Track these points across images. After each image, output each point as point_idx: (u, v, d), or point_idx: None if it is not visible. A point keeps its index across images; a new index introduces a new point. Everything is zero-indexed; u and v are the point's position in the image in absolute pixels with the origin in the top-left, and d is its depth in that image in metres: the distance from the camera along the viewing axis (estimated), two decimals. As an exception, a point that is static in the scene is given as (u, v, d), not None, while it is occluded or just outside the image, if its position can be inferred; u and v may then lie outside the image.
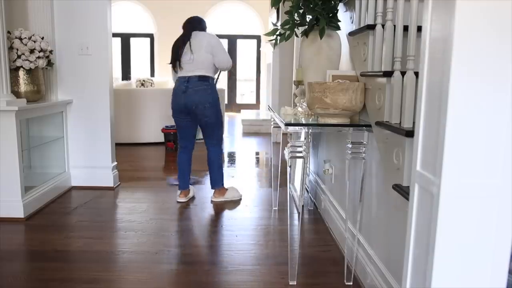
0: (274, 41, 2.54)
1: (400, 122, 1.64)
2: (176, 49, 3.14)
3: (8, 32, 2.88)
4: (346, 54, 2.50)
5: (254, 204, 3.30)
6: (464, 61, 0.89)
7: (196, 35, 3.11)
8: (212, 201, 3.32)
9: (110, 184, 3.63)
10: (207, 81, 3.10)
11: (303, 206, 3.16)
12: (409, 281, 1.09)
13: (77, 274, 2.12)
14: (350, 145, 2.03)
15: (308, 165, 3.40)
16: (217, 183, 3.33)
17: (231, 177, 4.14)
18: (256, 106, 10.40)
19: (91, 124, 3.55)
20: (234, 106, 10.56)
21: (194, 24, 3.18)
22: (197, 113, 3.09)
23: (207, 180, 3.76)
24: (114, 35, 4.19)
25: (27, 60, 2.97)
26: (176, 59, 3.12)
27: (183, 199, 3.31)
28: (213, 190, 3.37)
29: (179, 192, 3.33)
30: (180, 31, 3.18)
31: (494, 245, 0.94)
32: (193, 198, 3.41)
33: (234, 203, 3.29)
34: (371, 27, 1.93)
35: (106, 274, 2.12)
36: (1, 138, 2.75)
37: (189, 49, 3.06)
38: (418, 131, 1.05)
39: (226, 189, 3.37)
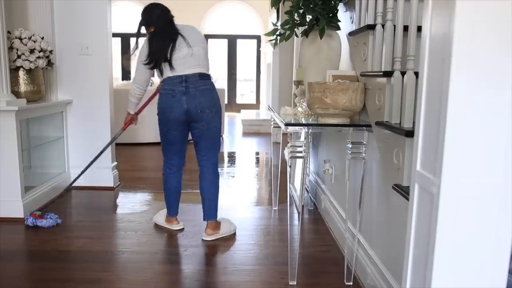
0: (274, 41, 2.54)
1: (400, 122, 1.64)
2: (161, 45, 2.46)
3: (8, 32, 2.88)
4: (346, 54, 2.50)
5: (254, 204, 3.29)
6: (464, 61, 0.89)
7: (184, 27, 2.53)
8: (204, 241, 2.53)
9: (110, 184, 3.63)
10: (209, 80, 2.50)
11: (303, 206, 3.15)
12: (409, 281, 1.09)
13: (77, 274, 2.11)
14: (350, 145, 2.03)
15: (308, 165, 3.40)
16: (214, 213, 2.59)
17: (231, 177, 4.14)
18: (256, 106, 10.41)
19: (91, 124, 3.55)
20: (234, 106, 10.57)
21: (170, 14, 2.58)
22: (202, 119, 2.44)
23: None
24: (114, 35, 4.18)
25: (27, 60, 2.97)
26: (164, 58, 2.44)
27: (180, 226, 2.72)
28: (206, 223, 2.59)
29: (162, 219, 2.76)
30: None
31: (494, 245, 0.94)
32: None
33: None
34: (371, 27, 1.93)
35: (106, 274, 2.12)
36: (1, 138, 2.75)
37: (184, 43, 2.44)
38: (418, 131, 1.05)
39: (219, 222, 2.64)
